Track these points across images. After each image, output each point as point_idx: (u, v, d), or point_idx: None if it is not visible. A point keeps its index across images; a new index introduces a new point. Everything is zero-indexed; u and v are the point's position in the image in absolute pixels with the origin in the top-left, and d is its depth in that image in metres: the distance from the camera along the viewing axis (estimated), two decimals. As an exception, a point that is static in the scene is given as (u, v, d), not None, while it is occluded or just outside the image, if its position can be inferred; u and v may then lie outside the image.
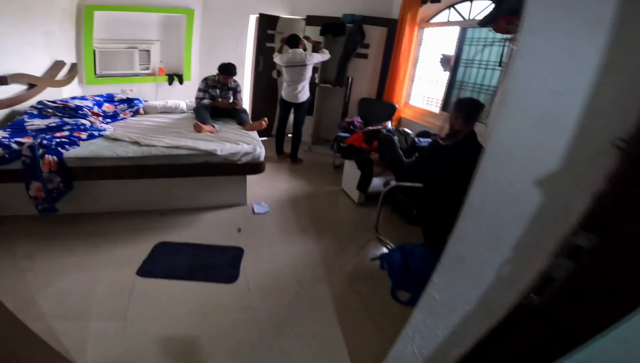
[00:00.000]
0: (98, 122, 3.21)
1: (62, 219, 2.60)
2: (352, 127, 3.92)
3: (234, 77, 3.77)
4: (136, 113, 3.81)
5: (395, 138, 3.11)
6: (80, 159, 2.50)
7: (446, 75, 3.84)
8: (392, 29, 4.29)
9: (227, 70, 3.61)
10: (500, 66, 3.13)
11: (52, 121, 2.94)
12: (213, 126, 3.28)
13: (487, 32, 3.40)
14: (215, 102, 3.69)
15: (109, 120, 3.48)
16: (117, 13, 4.60)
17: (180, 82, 5.05)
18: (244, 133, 3.16)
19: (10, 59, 3.16)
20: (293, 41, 3.91)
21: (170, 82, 5.01)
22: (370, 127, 3.54)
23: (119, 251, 2.37)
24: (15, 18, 3.21)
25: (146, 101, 4.59)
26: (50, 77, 3.68)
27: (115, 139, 2.79)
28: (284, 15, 4.75)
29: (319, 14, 4.50)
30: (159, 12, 4.82)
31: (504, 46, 3.10)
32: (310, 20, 4.55)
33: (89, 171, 2.53)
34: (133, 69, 4.81)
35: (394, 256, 2.32)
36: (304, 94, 3.99)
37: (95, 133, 2.91)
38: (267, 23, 4.68)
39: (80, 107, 3.30)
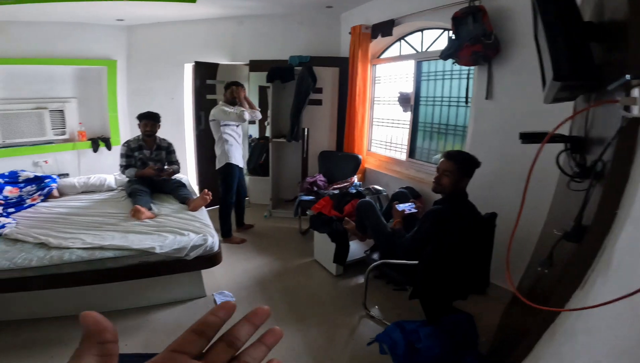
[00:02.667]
0: (-7, 219, 2.47)
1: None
2: (315, 188, 3.43)
3: (163, 137, 3.20)
4: (48, 196, 3.04)
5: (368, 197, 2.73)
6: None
7: (408, 116, 3.55)
8: (344, 69, 3.95)
9: (148, 115, 3.05)
10: (467, 103, 2.89)
11: None
12: (150, 209, 2.67)
13: (444, 65, 3.11)
14: (144, 171, 2.99)
15: (11, 209, 2.74)
16: (18, 67, 3.77)
17: (108, 147, 4.30)
18: (190, 216, 2.57)
19: None
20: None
21: (95, 148, 4.24)
22: (336, 186, 3.14)
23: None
24: None
25: (64, 176, 3.83)
26: None
27: (17, 240, 2.17)
28: (223, 62, 4.29)
29: (262, 58, 4.10)
30: (72, 64, 4.07)
31: (467, 79, 2.88)
32: (254, 65, 4.14)
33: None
34: (45, 135, 4.02)
35: (394, 336, 1.95)
36: (218, 160, 3.24)
37: (-10, 233, 2.24)
38: (205, 72, 4.16)
39: (-33, 200, 2.54)
